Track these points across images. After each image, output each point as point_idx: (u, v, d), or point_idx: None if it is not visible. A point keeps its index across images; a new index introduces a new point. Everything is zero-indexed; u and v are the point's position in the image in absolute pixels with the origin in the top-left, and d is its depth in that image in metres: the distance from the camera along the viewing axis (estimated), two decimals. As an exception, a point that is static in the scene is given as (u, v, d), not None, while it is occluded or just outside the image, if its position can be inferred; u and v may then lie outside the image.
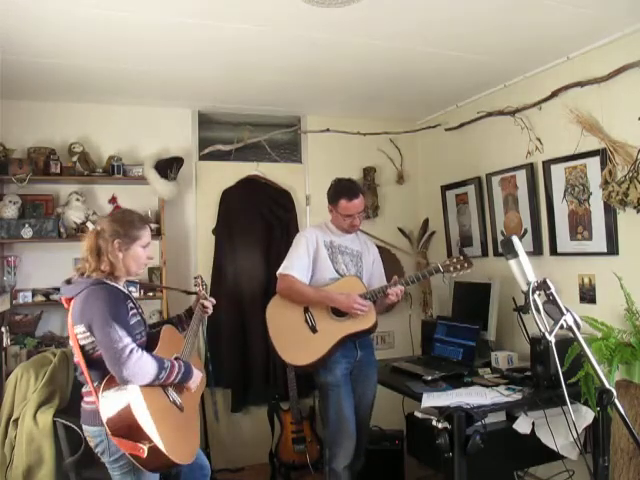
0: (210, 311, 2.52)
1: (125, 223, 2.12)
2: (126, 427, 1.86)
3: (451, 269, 2.73)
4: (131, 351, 1.90)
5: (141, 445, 1.84)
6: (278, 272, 2.78)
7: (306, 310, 2.75)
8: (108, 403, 1.90)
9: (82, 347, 1.99)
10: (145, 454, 1.84)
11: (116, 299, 2.02)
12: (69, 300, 2.06)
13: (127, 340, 1.92)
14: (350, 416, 2.72)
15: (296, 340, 2.72)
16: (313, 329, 2.72)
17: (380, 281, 2.95)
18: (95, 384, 1.97)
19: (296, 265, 2.75)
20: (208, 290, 2.84)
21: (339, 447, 2.70)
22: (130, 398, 1.89)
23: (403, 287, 2.73)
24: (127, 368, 1.88)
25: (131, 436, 1.86)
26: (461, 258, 2.76)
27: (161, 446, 1.87)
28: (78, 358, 2.01)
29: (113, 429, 1.87)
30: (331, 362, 2.71)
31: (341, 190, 2.80)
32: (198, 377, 2.17)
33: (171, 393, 2.07)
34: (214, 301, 2.52)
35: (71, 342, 2.04)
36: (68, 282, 2.10)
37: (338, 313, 2.73)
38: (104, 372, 1.96)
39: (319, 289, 2.74)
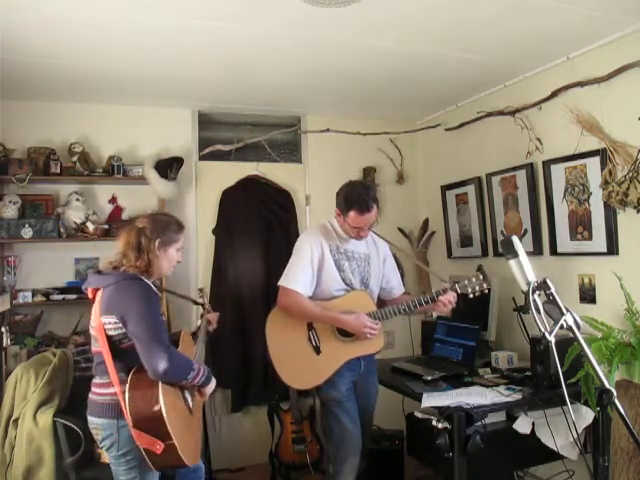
0: (214, 324, 2.56)
1: (167, 224, 2.19)
2: (150, 422, 1.89)
3: (469, 290, 2.53)
4: (168, 346, 1.94)
5: (160, 441, 1.88)
6: (279, 284, 2.57)
7: (309, 327, 2.58)
8: (136, 398, 1.92)
9: (109, 337, 2.00)
10: (161, 451, 1.88)
11: (154, 296, 2.06)
12: (95, 290, 2.08)
13: (164, 336, 1.96)
14: (355, 431, 2.58)
15: (298, 361, 2.56)
16: (317, 349, 2.55)
17: (397, 281, 2.84)
18: (118, 375, 1.98)
19: (299, 278, 2.53)
20: (207, 293, 2.83)
21: (344, 463, 2.56)
22: (160, 396, 1.91)
23: (455, 295, 2.51)
24: (164, 363, 1.90)
25: (152, 431, 1.89)
26: (480, 277, 2.54)
27: (178, 445, 1.90)
28: (102, 348, 2.00)
29: (136, 422, 1.90)
30: (335, 377, 2.56)
31: (353, 200, 2.51)
32: (214, 383, 2.20)
33: (187, 396, 2.10)
34: (215, 315, 2.55)
35: (93, 332, 2.05)
36: (98, 272, 2.13)
37: (344, 333, 2.57)
38: (128, 364, 1.98)
39: (326, 308, 2.54)
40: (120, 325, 1.98)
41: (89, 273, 2.18)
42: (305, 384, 2.62)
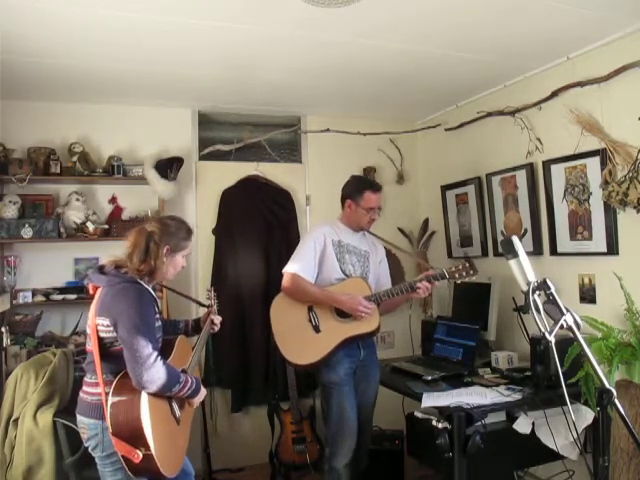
0: (217, 328, 2.55)
1: (177, 231, 2.15)
2: (129, 431, 1.87)
3: (456, 275, 2.70)
4: (155, 359, 1.91)
5: (137, 451, 1.85)
6: (284, 270, 2.77)
7: (310, 309, 2.75)
8: (118, 404, 1.90)
9: (101, 339, 1.99)
10: (139, 460, 1.85)
11: (147, 302, 2.03)
12: (96, 288, 2.07)
13: (152, 346, 1.93)
14: (351, 416, 2.71)
15: (299, 339, 2.72)
16: (316, 329, 2.72)
17: (387, 281, 2.96)
18: (104, 376, 1.97)
19: (302, 263, 2.74)
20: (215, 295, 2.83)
21: (339, 446, 2.70)
22: (141, 405, 1.89)
23: (436, 283, 2.71)
24: (148, 374, 1.88)
25: (131, 440, 1.86)
26: (467, 265, 2.71)
27: (156, 456, 1.87)
28: (92, 348, 2.00)
29: (116, 429, 1.88)
30: (334, 361, 2.70)
31: (364, 183, 2.91)
32: (203, 394, 2.18)
33: (174, 405, 2.08)
34: (221, 318, 2.56)
35: (88, 330, 2.04)
36: (101, 270, 2.09)
37: (342, 314, 2.72)
38: (117, 367, 1.96)
39: (324, 289, 2.73)
40: (112, 329, 1.97)
41: (92, 269, 2.15)
42: (305, 359, 2.71)
